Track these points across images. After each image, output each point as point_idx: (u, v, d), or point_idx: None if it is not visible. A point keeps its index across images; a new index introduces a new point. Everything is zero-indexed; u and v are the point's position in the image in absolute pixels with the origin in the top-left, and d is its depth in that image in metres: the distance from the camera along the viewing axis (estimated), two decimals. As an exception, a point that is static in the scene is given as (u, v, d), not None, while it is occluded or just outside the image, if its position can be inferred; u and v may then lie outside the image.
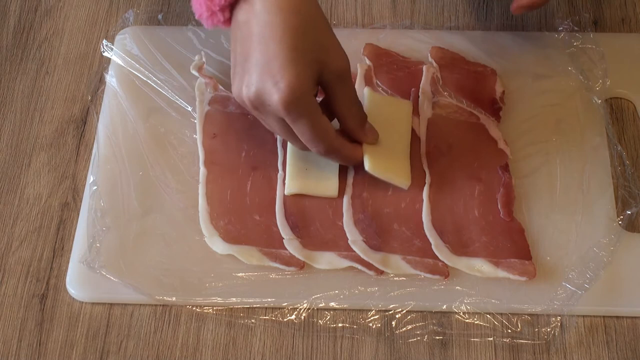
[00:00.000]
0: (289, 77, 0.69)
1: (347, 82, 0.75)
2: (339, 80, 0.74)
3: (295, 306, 0.75)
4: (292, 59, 0.69)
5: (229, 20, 0.74)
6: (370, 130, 0.78)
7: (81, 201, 0.82)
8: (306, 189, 0.80)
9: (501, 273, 0.76)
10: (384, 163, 0.79)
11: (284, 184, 0.80)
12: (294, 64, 0.69)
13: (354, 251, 0.77)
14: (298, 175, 0.80)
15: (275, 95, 0.69)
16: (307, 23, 0.70)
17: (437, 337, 0.74)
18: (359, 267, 0.76)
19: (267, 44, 0.69)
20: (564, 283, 0.75)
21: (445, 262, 0.76)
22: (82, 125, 0.87)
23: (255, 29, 0.70)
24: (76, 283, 0.77)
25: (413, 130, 0.83)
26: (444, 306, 0.75)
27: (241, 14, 0.72)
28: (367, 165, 0.78)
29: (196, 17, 0.75)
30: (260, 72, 0.70)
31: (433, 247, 0.77)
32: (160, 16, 0.94)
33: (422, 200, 0.80)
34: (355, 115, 0.77)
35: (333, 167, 0.81)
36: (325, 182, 0.80)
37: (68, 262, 0.78)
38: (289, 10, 0.69)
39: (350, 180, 0.81)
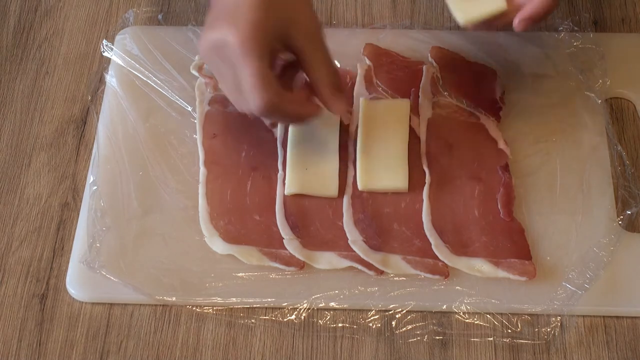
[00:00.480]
0: (250, 18, 0.70)
1: (317, 45, 0.74)
2: (308, 42, 0.74)
3: (295, 306, 0.75)
4: (258, 6, 0.70)
5: None
6: (340, 99, 0.76)
7: (81, 201, 0.82)
8: (306, 189, 0.80)
9: (501, 273, 0.76)
10: (378, 174, 0.80)
11: (284, 184, 0.80)
12: (258, 10, 0.70)
13: (354, 251, 0.77)
14: (298, 175, 0.80)
15: (233, 34, 0.70)
16: None
17: (437, 337, 0.74)
18: (359, 267, 0.76)
19: None
20: (564, 283, 0.75)
21: (445, 262, 0.76)
22: (82, 125, 0.87)
23: None
24: (76, 283, 0.77)
25: (413, 130, 0.83)
26: (444, 306, 0.75)
27: None
28: (359, 184, 0.80)
29: None
30: (225, 16, 0.71)
31: (433, 247, 0.77)
32: (160, 16, 0.94)
33: (422, 200, 0.80)
34: (325, 77, 0.75)
35: (333, 167, 0.81)
36: (325, 182, 0.80)
37: (68, 262, 0.78)
38: None
39: (350, 180, 0.81)
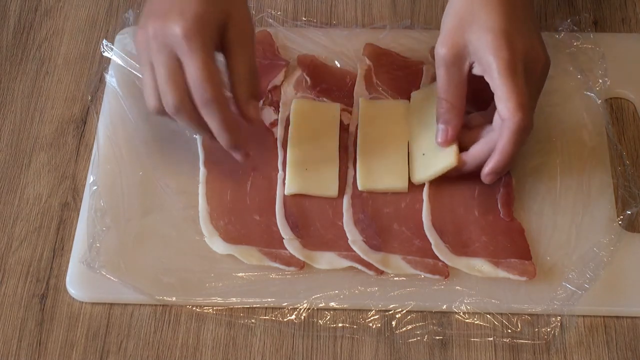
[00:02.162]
0: (195, 9, 0.71)
1: (246, 45, 0.75)
2: (238, 39, 0.74)
3: (295, 306, 0.75)
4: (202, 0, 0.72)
5: None
6: (254, 107, 0.76)
7: (81, 201, 0.82)
8: (306, 189, 0.80)
9: (501, 273, 0.76)
10: (378, 175, 0.80)
11: (284, 184, 0.80)
12: (202, 2, 0.71)
13: (354, 251, 0.77)
14: (298, 175, 0.80)
15: (178, 24, 0.70)
16: None
17: (437, 337, 0.74)
18: (359, 267, 0.76)
19: None
20: (564, 283, 0.75)
21: (445, 262, 0.76)
22: (82, 125, 0.87)
23: None
24: (76, 283, 0.77)
25: (413, 130, 0.84)
26: (444, 306, 0.75)
27: None
28: (359, 184, 0.80)
29: None
30: (170, 6, 0.72)
31: (433, 247, 0.77)
32: (160, 16, 0.93)
33: (422, 200, 0.80)
34: (244, 82, 0.75)
35: (333, 167, 0.81)
36: (325, 181, 0.80)
37: (68, 262, 0.78)
38: None
39: (350, 180, 0.81)
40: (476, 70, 0.75)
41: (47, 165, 0.85)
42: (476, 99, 0.83)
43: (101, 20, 0.95)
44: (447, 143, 0.77)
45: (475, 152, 0.76)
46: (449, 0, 0.78)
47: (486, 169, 0.76)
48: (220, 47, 0.74)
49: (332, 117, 0.83)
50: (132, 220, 0.80)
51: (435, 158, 0.79)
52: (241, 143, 0.76)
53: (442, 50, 0.75)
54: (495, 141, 0.74)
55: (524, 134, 0.73)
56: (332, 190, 0.80)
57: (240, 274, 0.77)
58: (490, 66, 0.72)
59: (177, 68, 0.72)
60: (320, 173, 0.81)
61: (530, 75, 0.73)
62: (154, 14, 0.72)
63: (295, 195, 0.80)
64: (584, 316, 0.75)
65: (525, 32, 0.74)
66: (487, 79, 0.73)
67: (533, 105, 0.75)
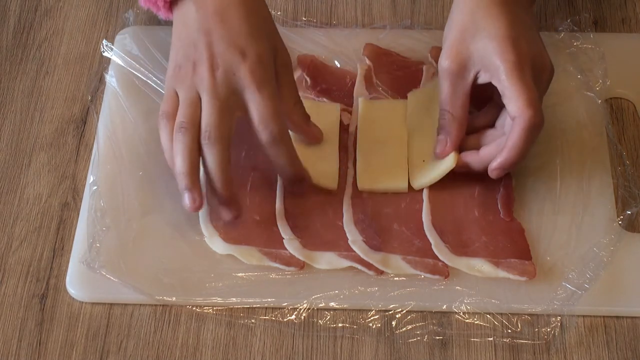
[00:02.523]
0: (256, 47, 0.73)
1: (291, 76, 0.78)
2: (285, 73, 0.76)
3: (295, 306, 0.75)
4: (256, 35, 0.73)
5: (168, 6, 0.77)
6: (315, 127, 0.80)
7: (81, 201, 0.82)
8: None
9: (501, 273, 0.76)
10: (377, 175, 0.80)
11: (284, 184, 0.80)
12: (257, 39, 0.74)
13: (354, 251, 0.77)
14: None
15: (243, 64, 0.72)
16: (261, 11, 0.76)
17: (437, 337, 0.74)
18: (359, 267, 0.76)
19: (230, 21, 0.73)
20: (564, 283, 0.75)
21: (445, 262, 0.76)
22: (82, 125, 0.87)
23: (214, 8, 0.74)
24: (76, 283, 0.77)
25: (413, 130, 0.84)
26: (444, 306, 0.75)
27: None
28: (359, 185, 0.80)
29: (142, 6, 0.79)
30: (227, 45, 0.73)
31: (433, 247, 0.77)
32: (160, 16, 0.94)
33: (422, 200, 0.80)
34: (300, 111, 0.78)
35: (333, 164, 0.81)
36: (325, 174, 0.80)
37: (68, 262, 0.78)
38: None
39: (350, 180, 0.81)
40: (482, 79, 0.75)
41: (47, 165, 0.85)
42: (477, 99, 0.83)
43: (101, 20, 0.95)
44: (445, 155, 0.78)
45: (485, 154, 0.77)
46: (450, 12, 0.78)
47: (494, 164, 0.76)
48: None
49: (333, 118, 0.84)
50: (132, 220, 0.80)
51: (435, 164, 0.79)
52: (305, 175, 0.78)
53: (445, 62, 0.76)
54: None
55: (535, 130, 0.73)
56: (332, 181, 0.80)
57: (240, 274, 0.77)
58: (498, 69, 0.73)
59: (232, 103, 0.73)
60: (321, 171, 0.80)
61: (538, 79, 0.74)
62: (210, 43, 0.73)
63: (295, 195, 0.80)
64: (584, 316, 0.75)
65: (530, 38, 0.75)
66: (494, 83, 0.74)
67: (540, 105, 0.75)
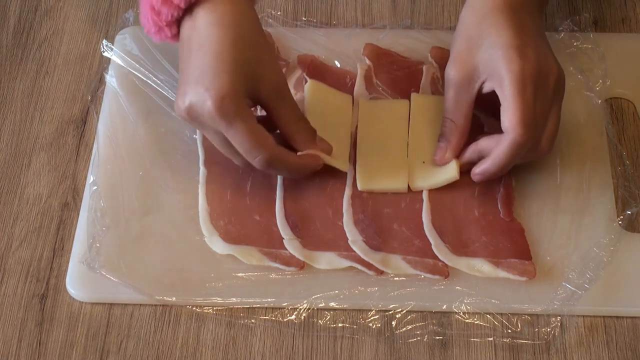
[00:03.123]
0: (220, 84, 0.71)
1: (286, 98, 0.76)
2: (277, 96, 0.75)
3: (295, 306, 0.75)
4: (225, 69, 0.71)
5: (176, 36, 0.76)
6: (322, 142, 0.79)
7: (81, 201, 0.82)
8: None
9: (501, 273, 0.76)
10: (377, 175, 0.80)
11: (284, 184, 0.80)
12: (226, 73, 0.71)
13: (354, 251, 0.77)
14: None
15: (207, 102, 0.70)
16: (244, 38, 0.73)
17: (437, 337, 0.74)
18: (359, 267, 0.76)
19: (203, 56, 0.72)
20: (564, 283, 0.75)
21: (445, 262, 0.76)
22: (82, 125, 0.87)
23: (195, 43, 0.73)
24: (76, 283, 0.77)
25: (413, 130, 0.84)
26: (444, 306, 0.75)
27: (185, 29, 0.75)
28: (359, 185, 0.80)
29: (145, 32, 0.78)
30: (194, 82, 0.72)
31: (433, 247, 0.77)
32: (160, 16, 0.94)
33: (422, 200, 0.80)
34: (302, 130, 0.77)
35: (345, 142, 0.81)
36: (336, 155, 0.80)
37: (68, 262, 0.78)
38: (228, 25, 0.72)
39: (350, 180, 0.81)
40: (487, 88, 0.76)
41: (47, 165, 0.85)
42: (477, 98, 0.83)
43: (101, 20, 0.95)
44: (443, 162, 0.79)
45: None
46: (458, 22, 0.78)
47: (477, 169, 0.77)
48: (256, 103, 0.75)
49: (346, 104, 0.84)
50: (132, 220, 0.80)
51: (436, 168, 0.79)
52: (313, 165, 0.78)
53: (452, 72, 0.76)
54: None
55: (520, 149, 0.73)
56: (344, 163, 0.80)
57: (240, 274, 0.77)
58: (502, 79, 0.73)
59: (224, 140, 0.73)
60: (333, 152, 0.80)
61: (543, 88, 0.74)
62: (182, 90, 0.73)
63: (295, 195, 0.80)
64: (584, 316, 0.75)
65: (536, 46, 0.75)
66: (497, 91, 0.74)
67: (542, 119, 0.74)
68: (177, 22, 0.75)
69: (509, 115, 0.72)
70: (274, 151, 0.74)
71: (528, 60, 0.73)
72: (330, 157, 0.79)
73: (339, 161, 0.80)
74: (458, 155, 0.79)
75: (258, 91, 0.73)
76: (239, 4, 0.74)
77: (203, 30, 0.72)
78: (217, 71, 0.71)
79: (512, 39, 0.73)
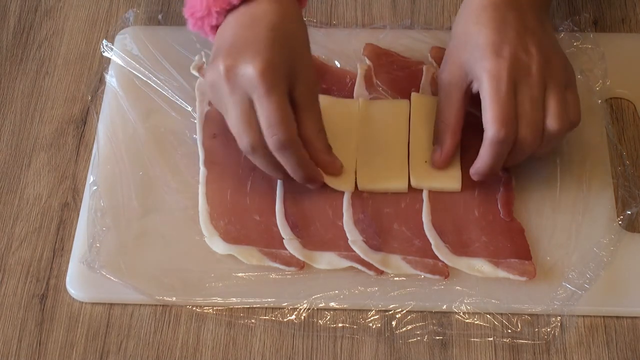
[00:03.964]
0: (271, 54, 0.72)
1: (315, 104, 0.76)
2: (309, 98, 0.75)
3: (295, 306, 0.75)
4: (279, 43, 0.72)
5: (215, 29, 0.77)
6: (336, 159, 0.79)
7: (81, 201, 0.82)
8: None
9: (501, 273, 0.76)
10: (377, 175, 0.80)
11: (284, 184, 0.80)
12: (279, 48, 0.72)
13: (354, 251, 0.77)
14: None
15: (254, 64, 0.71)
16: (295, 34, 0.75)
17: (437, 337, 0.74)
18: (359, 267, 0.76)
19: (257, 29, 0.73)
20: (564, 283, 0.75)
21: (445, 262, 0.76)
22: (82, 125, 0.87)
23: (248, 18, 0.74)
24: (76, 283, 0.77)
25: (413, 130, 0.84)
26: (444, 306, 0.75)
27: (234, 14, 0.75)
28: (359, 185, 0.80)
29: (186, 14, 0.78)
30: (243, 47, 0.72)
31: (433, 247, 0.77)
32: (160, 16, 0.94)
33: (422, 200, 0.80)
34: (322, 140, 0.77)
35: (350, 162, 0.81)
36: (343, 176, 0.80)
37: (68, 262, 0.78)
38: (284, 16, 0.74)
39: (350, 180, 0.81)
40: (475, 88, 0.76)
41: (47, 165, 0.85)
42: (477, 99, 0.83)
43: (101, 20, 0.95)
44: (439, 164, 0.79)
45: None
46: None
47: (471, 170, 0.78)
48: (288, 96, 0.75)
49: (351, 115, 0.83)
50: (132, 220, 0.80)
51: (439, 172, 0.80)
52: (317, 175, 0.78)
53: (442, 73, 0.77)
54: None
55: (499, 145, 0.73)
56: (349, 185, 0.80)
57: (240, 274, 0.77)
58: (480, 78, 0.73)
59: (250, 109, 0.72)
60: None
61: (525, 80, 0.73)
62: (226, 53, 0.73)
63: (295, 195, 0.80)
64: (584, 316, 0.75)
65: (516, 38, 0.74)
66: (479, 90, 0.74)
67: (532, 109, 0.73)
68: (226, 14, 0.76)
69: (485, 114, 0.73)
70: (293, 136, 0.73)
71: (503, 56, 0.73)
72: (385, 185, 0.80)
73: (343, 182, 0.80)
74: (452, 157, 0.79)
75: (294, 85, 0.74)
76: (294, 6, 0.76)
77: (260, 8, 0.74)
78: (270, 42, 0.72)
79: (490, 36, 0.73)
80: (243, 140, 0.73)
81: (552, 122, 0.74)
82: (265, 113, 0.72)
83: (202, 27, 0.78)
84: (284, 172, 0.76)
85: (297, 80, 0.74)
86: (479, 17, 0.75)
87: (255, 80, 0.71)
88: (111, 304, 0.77)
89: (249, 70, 0.71)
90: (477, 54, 0.74)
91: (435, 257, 0.77)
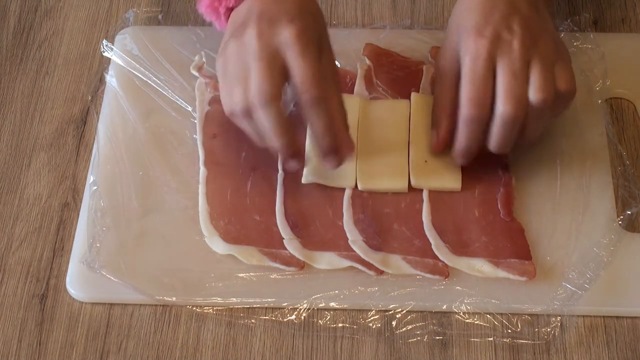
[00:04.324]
0: (302, 22, 0.73)
1: (338, 79, 0.77)
2: (332, 72, 0.76)
3: (295, 306, 0.75)
4: (304, 16, 0.74)
5: (229, 11, 0.79)
6: (351, 139, 0.77)
7: (81, 201, 0.82)
8: (323, 179, 0.80)
9: (501, 273, 0.76)
10: (378, 175, 0.80)
11: (284, 184, 0.80)
12: (305, 19, 0.74)
13: (354, 251, 0.77)
14: (316, 165, 0.80)
15: (288, 28, 0.72)
16: (320, 15, 0.77)
17: (437, 337, 0.74)
18: (359, 267, 0.76)
19: (282, 4, 0.74)
20: (564, 283, 0.75)
21: (445, 262, 0.76)
22: (82, 125, 0.87)
23: None
24: (76, 283, 0.77)
25: (413, 130, 0.84)
26: (444, 306, 0.75)
27: None
28: (359, 184, 0.80)
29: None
30: (275, 15, 0.73)
31: (433, 247, 0.77)
32: (160, 16, 0.94)
33: (422, 200, 0.80)
34: (343, 115, 0.76)
35: (350, 162, 0.81)
36: (342, 173, 0.80)
37: (68, 262, 0.78)
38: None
39: (350, 180, 0.81)
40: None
41: (47, 165, 0.85)
42: None
43: (101, 20, 0.95)
44: (435, 147, 0.79)
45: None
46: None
47: (452, 153, 0.79)
48: None
49: (352, 113, 0.83)
50: (132, 220, 0.80)
51: (439, 172, 0.80)
52: (345, 144, 0.77)
53: (439, 60, 0.79)
54: None
55: (472, 124, 0.74)
56: (349, 181, 0.80)
57: (240, 274, 0.77)
58: (463, 60, 0.75)
59: (279, 65, 0.72)
60: (337, 172, 0.80)
61: (506, 55, 0.73)
62: (258, 20, 0.73)
63: (295, 195, 0.80)
64: (584, 316, 0.75)
65: (501, 19, 0.74)
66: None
67: (517, 87, 0.73)
68: None
69: (461, 93, 0.74)
70: (326, 94, 0.73)
71: (484, 35, 0.73)
72: (385, 184, 0.80)
73: (343, 181, 0.80)
74: (447, 140, 0.78)
75: (319, 57, 0.75)
76: None
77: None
78: (301, 13, 0.74)
79: (476, 19, 0.74)
80: (262, 87, 0.72)
81: (533, 93, 0.73)
82: (300, 71, 0.72)
83: (217, 9, 0.78)
84: (288, 138, 0.75)
85: (322, 53, 0.75)
86: (470, 2, 0.76)
87: (291, 40, 0.72)
88: (111, 304, 0.77)
89: (286, 32, 0.72)
90: (463, 37, 0.75)
91: (435, 257, 0.77)
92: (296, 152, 0.77)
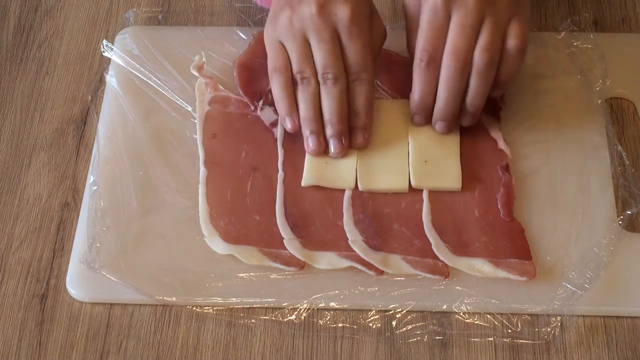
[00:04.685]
0: (358, 6, 0.77)
1: (375, 60, 0.81)
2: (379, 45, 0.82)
3: (295, 306, 0.75)
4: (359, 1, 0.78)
5: None
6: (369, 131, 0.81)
7: (81, 201, 0.82)
8: (323, 181, 0.80)
9: (501, 273, 0.76)
10: (378, 175, 0.80)
11: (284, 183, 0.80)
12: (361, 3, 0.78)
13: (354, 251, 0.77)
14: (317, 167, 0.80)
15: (345, 8, 0.76)
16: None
17: (437, 337, 0.74)
18: (359, 267, 0.76)
19: None
20: (564, 283, 0.75)
21: (445, 262, 0.76)
22: (82, 125, 0.87)
23: None
24: (76, 283, 0.77)
25: (413, 130, 0.84)
26: (444, 306, 0.75)
27: None
28: (360, 185, 0.80)
29: None
30: None
31: (433, 247, 0.77)
32: (160, 16, 0.94)
33: (422, 200, 0.80)
34: (372, 103, 0.81)
35: (351, 160, 0.81)
36: (343, 174, 0.80)
37: (68, 262, 0.78)
38: None
39: (350, 180, 0.81)
40: None
41: (47, 165, 0.85)
42: None
43: (101, 20, 0.95)
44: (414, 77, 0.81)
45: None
46: None
47: (413, 108, 0.82)
48: None
49: None
50: (132, 220, 0.80)
51: (439, 172, 0.80)
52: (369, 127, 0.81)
53: (406, 2, 0.82)
54: None
55: (422, 73, 0.78)
56: (350, 182, 0.80)
57: (240, 274, 0.77)
58: (423, 12, 0.78)
59: (337, 44, 0.78)
60: (339, 166, 0.80)
61: (460, 9, 0.75)
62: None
63: (295, 195, 0.80)
64: (584, 316, 0.75)
65: None
66: None
67: (451, 38, 0.76)
68: None
69: (417, 41, 0.78)
70: (374, 79, 0.81)
71: None
72: (386, 185, 0.80)
73: (343, 181, 0.80)
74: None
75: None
76: None
77: None
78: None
79: None
80: (328, 62, 0.77)
81: (478, 52, 0.76)
82: (353, 52, 0.78)
83: None
84: (319, 115, 0.80)
85: (372, 26, 0.80)
86: None
87: (348, 21, 0.76)
88: (111, 304, 0.77)
89: (343, 12, 0.76)
90: None
91: (435, 257, 0.77)
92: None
